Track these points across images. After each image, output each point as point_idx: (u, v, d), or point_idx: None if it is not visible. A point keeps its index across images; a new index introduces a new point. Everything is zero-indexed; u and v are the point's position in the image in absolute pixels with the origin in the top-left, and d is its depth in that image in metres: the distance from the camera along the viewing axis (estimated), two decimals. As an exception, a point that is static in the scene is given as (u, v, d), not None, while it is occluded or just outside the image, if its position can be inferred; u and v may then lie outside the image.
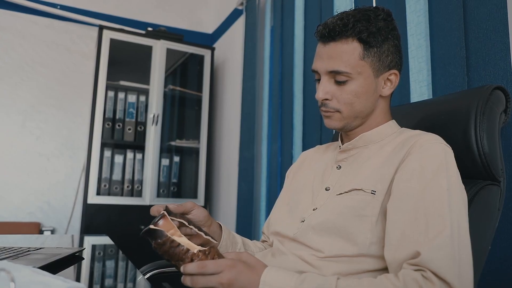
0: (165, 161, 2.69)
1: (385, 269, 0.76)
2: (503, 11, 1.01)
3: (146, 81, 2.64)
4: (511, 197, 0.96)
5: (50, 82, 2.81)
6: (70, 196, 2.76)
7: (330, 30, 0.84)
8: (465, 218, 0.73)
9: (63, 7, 2.86)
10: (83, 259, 1.00)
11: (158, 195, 2.60)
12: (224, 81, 2.98)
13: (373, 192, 0.80)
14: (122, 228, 2.41)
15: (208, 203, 2.81)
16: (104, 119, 2.51)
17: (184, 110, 2.94)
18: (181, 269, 0.67)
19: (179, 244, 0.68)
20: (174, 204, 0.85)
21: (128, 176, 2.57)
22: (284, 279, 0.69)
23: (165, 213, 0.76)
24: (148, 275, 1.11)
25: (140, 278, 0.86)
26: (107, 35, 2.55)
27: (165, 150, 2.71)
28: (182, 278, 0.68)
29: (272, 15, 2.26)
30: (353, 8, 0.89)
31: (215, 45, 3.10)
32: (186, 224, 0.80)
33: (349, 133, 0.93)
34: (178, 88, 2.88)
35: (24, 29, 2.78)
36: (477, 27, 1.08)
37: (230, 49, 2.90)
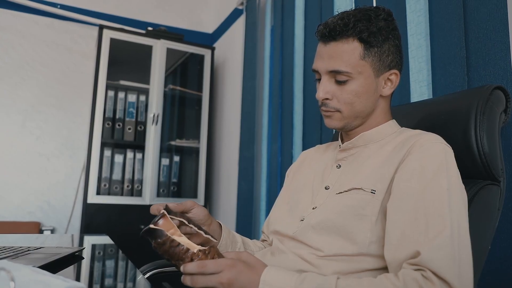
0: (165, 161, 2.69)
1: (385, 268, 0.76)
2: (503, 11, 1.01)
3: (146, 80, 2.64)
4: (511, 197, 0.96)
5: (50, 81, 2.81)
6: (70, 195, 2.76)
7: (331, 30, 0.84)
8: (465, 218, 0.73)
9: (63, 7, 2.86)
10: (83, 258, 1.00)
11: (158, 195, 2.60)
12: (224, 81, 2.98)
13: (373, 192, 0.80)
14: (122, 228, 2.41)
15: (208, 203, 2.81)
16: (104, 119, 2.51)
17: (184, 110, 2.94)
18: (181, 268, 0.67)
19: (179, 244, 0.68)
20: (174, 203, 0.85)
21: (128, 175, 2.57)
22: (284, 279, 0.69)
23: (165, 212, 0.75)
24: (148, 274, 1.11)
25: (140, 277, 0.86)
26: (107, 34, 2.55)
27: (165, 149, 2.71)
28: (182, 277, 0.68)
29: (272, 15, 2.26)
30: (354, 8, 0.89)
31: (215, 45, 3.10)
32: (186, 223, 0.80)
33: (349, 132, 0.93)
34: (178, 88, 2.88)
35: (24, 28, 2.78)
36: (477, 27, 1.08)
37: (230, 49, 2.90)
